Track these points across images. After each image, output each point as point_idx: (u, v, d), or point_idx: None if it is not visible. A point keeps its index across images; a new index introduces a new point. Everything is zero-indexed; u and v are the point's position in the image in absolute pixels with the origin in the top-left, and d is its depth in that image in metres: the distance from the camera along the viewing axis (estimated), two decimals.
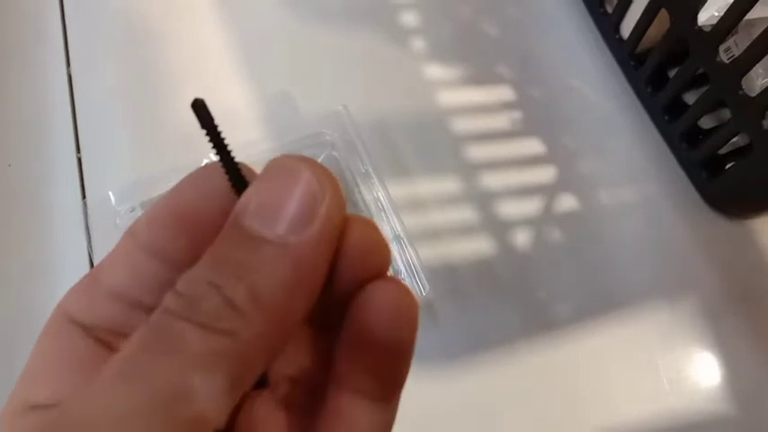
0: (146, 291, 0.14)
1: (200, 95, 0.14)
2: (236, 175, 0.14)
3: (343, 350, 0.14)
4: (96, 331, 0.14)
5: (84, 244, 0.33)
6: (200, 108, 0.14)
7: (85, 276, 0.14)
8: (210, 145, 0.14)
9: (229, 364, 0.11)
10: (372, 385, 0.14)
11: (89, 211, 0.33)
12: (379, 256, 0.14)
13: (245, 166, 0.14)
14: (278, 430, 0.15)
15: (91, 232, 0.33)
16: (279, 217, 0.12)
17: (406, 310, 0.14)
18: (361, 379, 0.14)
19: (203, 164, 0.15)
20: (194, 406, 0.11)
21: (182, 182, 0.14)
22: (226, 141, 0.14)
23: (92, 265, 0.34)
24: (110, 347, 0.14)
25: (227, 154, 0.14)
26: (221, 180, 0.14)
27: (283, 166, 0.13)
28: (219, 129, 0.14)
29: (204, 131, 0.14)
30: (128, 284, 0.14)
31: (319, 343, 0.15)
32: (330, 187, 0.13)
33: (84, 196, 0.37)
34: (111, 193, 0.32)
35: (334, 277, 0.14)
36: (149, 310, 0.12)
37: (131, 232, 0.14)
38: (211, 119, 0.14)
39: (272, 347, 0.12)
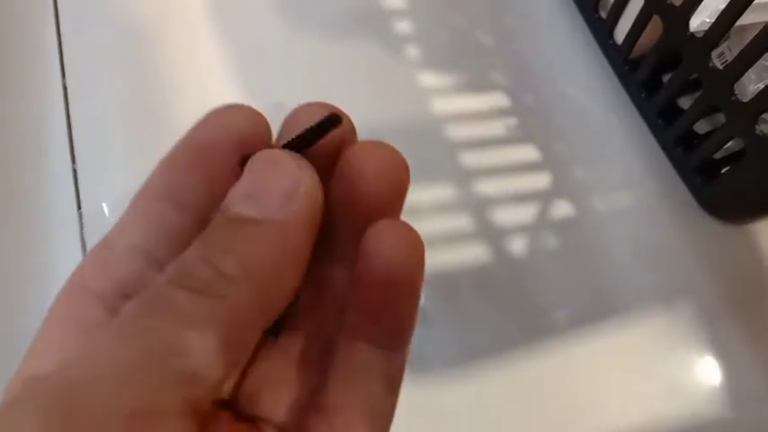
0: (162, 241, 0.14)
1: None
2: None
3: (352, 294, 0.15)
4: (109, 297, 0.14)
5: (80, 255, 0.33)
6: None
7: (98, 243, 0.15)
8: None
9: (221, 325, 0.12)
10: (381, 332, 0.15)
11: (84, 222, 0.33)
12: (395, 182, 0.15)
13: None
14: (291, 386, 0.15)
15: (86, 243, 0.32)
16: (263, 199, 0.13)
17: (412, 249, 0.14)
18: (369, 327, 0.15)
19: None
20: (188, 361, 0.11)
21: (195, 126, 0.15)
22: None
23: None
24: None
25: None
26: (236, 119, 0.15)
27: (265, 157, 0.14)
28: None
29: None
30: (143, 237, 0.14)
31: (333, 289, 0.16)
32: (309, 170, 0.14)
33: (79, 207, 0.37)
34: (104, 205, 0.32)
35: (350, 208, 0.15)
36: (166, 265, 0.13)
37: (146, 189, 0.15)
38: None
39: (263, 313, 0.13)
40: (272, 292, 0.13)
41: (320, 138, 0.15)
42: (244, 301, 0.12)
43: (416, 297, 0.15)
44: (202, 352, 0.11)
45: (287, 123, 0.16)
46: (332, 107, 0.16)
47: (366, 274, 0.14)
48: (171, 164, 0.15)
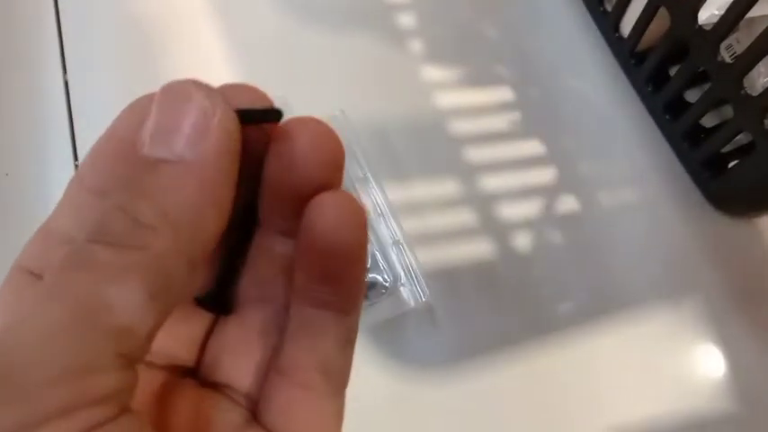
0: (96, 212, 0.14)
1: None
2: None
3: (299, 264, 0.15)
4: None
5: None
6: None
7: (37, 231, 0.15)
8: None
9: (144, 276, 0.12)
10: (331, 296, 0.15)
11: None
12: (330, 154, 0.15)
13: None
14: (249, 351, 0.16)
15: None
16: (173, 137, 0.13)
17: (353, 216, 0.14)
18: (320, 291, 0.15)
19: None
20: (114, 316, 0.11)
21: (119, 116, 0.15)
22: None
23: None
24: None
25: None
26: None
27: (172, 89, 0.14)
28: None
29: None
30: (74, 225, 0.14)
31: (281, 261, 0.16)
32: (221, 102, 0.13)
33: None
34: None
35: (288, 185, 0.15)
36: None
37: (78, 176, 0.15)
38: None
39: (187, 260, 0.13)
40: (192, 235, 0.13)
41: (253, 123, 0.15)
42: (164, 249, 0.12)
43: (363, 262, 0.15)
44: (128, 305, 0.11)
45: None
46: (268, 99, 0.16)
47: (311, 242, 0.15)
48: (96, 155, 0.15)
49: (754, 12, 0.29)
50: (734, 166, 0.35)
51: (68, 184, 0.15)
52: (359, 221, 0.15)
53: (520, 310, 0.34)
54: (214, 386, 0.16)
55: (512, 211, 0.37)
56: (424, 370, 0.33)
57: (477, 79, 0.41)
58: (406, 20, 0.43)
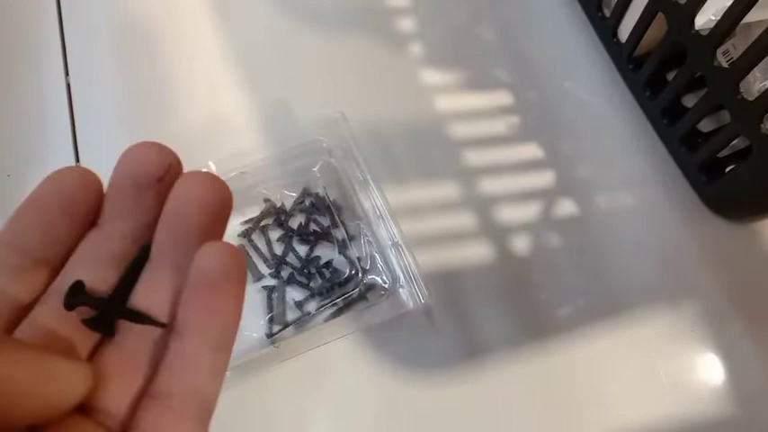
0: (2, 277, 0.17)
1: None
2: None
3: (185, 299, 0.17)
4: None
5: None
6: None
7: None
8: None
9: None
10: (208, 332, 0.17)
11: None
12: (216, 205, 0.17)
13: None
14: (124, 377, 0.17)
15: None
16: None
17: (232, 265, 0.17)
18: (197, 328, 0.17)
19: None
20: None
21: (38, 185, 0.18)
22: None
23: None
24: None
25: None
26: (68, 178, 0.18)
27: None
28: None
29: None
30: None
31: (167, 293, 0.18)
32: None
33: None
34: None
35: (178, 230, 0.18)
36: (6, 296, 0.17)
37: None
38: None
39: None
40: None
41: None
42: None
43: (238, 305, 0.17)
44: None
45: (119, 163, 0.18)
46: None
47: (194, 287, 0.17)
48: (16, 215, 0.18)
49: (750, 17, 0.29)
50: (731, 170, 0.35)
51: None
52: (238, 269, 0.17)
53: (518, 313, 0.34)
54: (87, 410, 0.17)
55: (510, 213, 0.37)
56: (423, 371, 0.33)
57: (475, 83, 0.41)
58: (406, 23, 0.43)
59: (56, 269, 0.18)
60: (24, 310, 0.17)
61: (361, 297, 0.34)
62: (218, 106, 0.40)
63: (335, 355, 0.33)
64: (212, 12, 0.43)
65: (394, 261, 0.34)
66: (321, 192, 0.36)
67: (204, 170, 0.19)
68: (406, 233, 0.34)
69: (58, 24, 0.43)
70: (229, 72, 0.41)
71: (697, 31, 0.32)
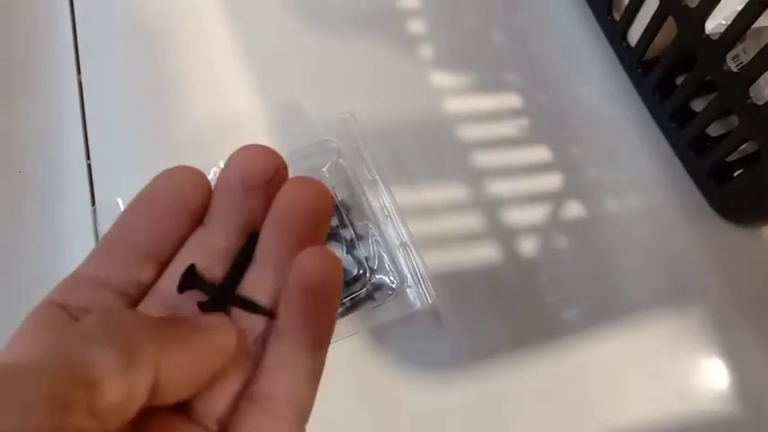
0: (115, 271, 0.18)
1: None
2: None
3: (284, 305, 0.18)
4: (70, 308, 0.17)
5: None
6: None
7: (69, 274, 0.18)
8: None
9: (120, 348, 0.14)
10: (305, 335, 0.18)
11: (98, 218, 0.33)
12: (319, 210, 0.18)
13: None
14: (223, 379, 0.18)
15: (100, 239, 0.33)
16: None
17: (330, 272, 0.17)
18: (296, 331, 0.18)
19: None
20: (89, 371, 0.14)
21: (150, 182, 0.18)
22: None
23: None
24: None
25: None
26: (181, 179, 0.18)
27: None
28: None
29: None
30: (102, 269, 0.18)
31: (267, 297, 0.19)
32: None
33: (93, 203, 0.37)
34: (119, 200, 0.33)
35: (281, 231, 0.18)
36: (116, 289, 0.18)
37: (109, 231, 0.19)
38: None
39: (160, 355, 0.15)
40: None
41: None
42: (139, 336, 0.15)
43: (334, 308, 0.18)
44: (102, 366, 0.14)
45: (229, 164, 0.19)
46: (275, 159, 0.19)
47: (294, 290, 0.18)
48: (128, 212, 0.18)
49: (760, 22, 0.29)
50: (739, 174, 0.35)
51: (101, 239, 0.19)
52: (335, 276, 0.18)
53: (525, 314, 0.35)
54: (187, 411, 0.17)
55: (518, 215, 0.37)
56: (430, 371, 0.33)
57: (485, 85, 0.41)
58: (416, 25, 0.44)
59: (163, 265, 0.18)
60: (132, 305, 0.18)
61: (369, 297, 0.34)
62: (229, 106, 0.40)
63: (342, 355, 0.33)
64: (223, 12, 0.44)
65: (402, 261, 0.34)
66: (330, 191, 0.37)
67: (312, 176, 0.19)
68: (415, 233, 0.34)
69: (71, 23, 0.43)
70: (240, 72, 0.41)
71: (707, 35, 0.32)
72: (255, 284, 0.19)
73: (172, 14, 0.44)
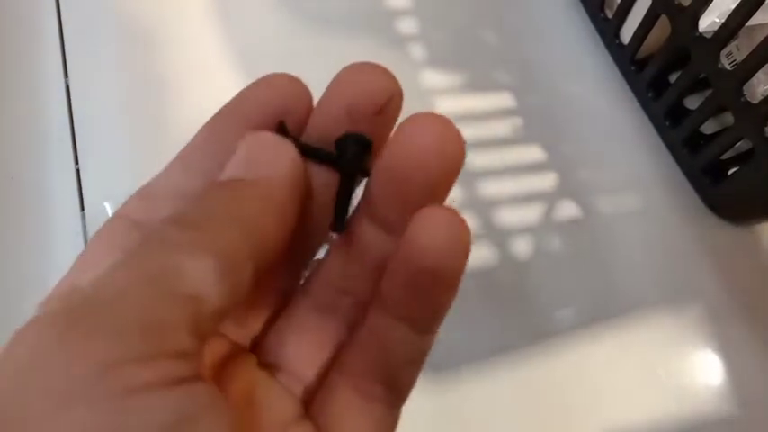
0: (193, 184, 0.16)
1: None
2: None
3: (391, 273, 0.14)
4: (145, 227, 0.15)
5: None
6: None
7: (142, 186, 0.16)
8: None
9: (214, 256, 0.13)
10: (413, 313, 0.15)
11: (88, 223, 0.33)
12: (449, 160, 0.14)
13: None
14: (314, 341, 0.16)
15: None
16: (250, 166, 0.15)
17: (457, 242, 0.14)
18: (402, 307, 0.15)
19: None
20: (186, 282, 0.12)
21: (242, 91, 0.16)
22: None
23: None
24: None
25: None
26: (278, 87, 0.16)
27: (254, 140, 0.15)
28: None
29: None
30: (183, 184, 0.16)
31: (369, 256, 0.16)
32: (291, 153, 0.15)
33: (82, 208, 0.37)
34: (107, 205, 0.32)
35: (397, 179, 0.14)
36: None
37: (192, 142, 0.17)
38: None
39: (251, 260, 0.13)
40: (257, 239, 0.14)
41: (331, 162, 0.16)
42: (233, 239, 0.13)
43: (454, 288, 0.15)
44: (198, 275, 0.12)
45: (333, 85, 0.16)
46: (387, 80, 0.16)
47: (408, 258, 0.14)
48: (216, 124, 0.16)
49: (754, 20, 0.29)
50: (734, 172, 0.35)
51: (180, 151, 0.17)
52: (462, 248, 0.14)
53: (519, 315, 0.34)
54: (272, 367, 0.16)
55: (511, 216, 0.37)
56: (422, 374, 0.33)
57: (477, 85, 0.41)
58: (407, 25, 0.43)
59: None
60: None
61: None
62: (221, 106, 0.39)
63: None
64: (214, 13, 0.43)
65: None
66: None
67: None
68: None
69: (58, 26, 0.43)
70: (232, 72, 0.41)
71: (701, 33, 0.32)
72: (359, 246, 0.16)
73: (161, 16, 0.43)
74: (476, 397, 0.32)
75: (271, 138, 0.15)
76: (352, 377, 0.15)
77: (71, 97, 0.40)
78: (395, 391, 0.16)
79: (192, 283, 0.12)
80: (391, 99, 0.15)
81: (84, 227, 0.33)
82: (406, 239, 0.14)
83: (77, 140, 0.39)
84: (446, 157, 0.14)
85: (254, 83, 0.16)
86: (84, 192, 0.37)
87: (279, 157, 0.15)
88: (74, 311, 0.12)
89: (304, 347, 0.16)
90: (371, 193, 0.15)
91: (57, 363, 0.11)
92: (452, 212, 0.14)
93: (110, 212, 0.32)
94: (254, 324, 0.17)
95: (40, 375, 0.11)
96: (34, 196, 0.37)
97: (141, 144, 0.39)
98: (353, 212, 0.16)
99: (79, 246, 0.33)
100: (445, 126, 0.14)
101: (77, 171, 0.38)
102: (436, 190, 0.14)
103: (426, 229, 0.14)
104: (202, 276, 0.12)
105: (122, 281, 0.12)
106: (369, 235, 0.16)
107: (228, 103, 0.16)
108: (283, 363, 0.16)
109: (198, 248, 0.13)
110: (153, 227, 0.13)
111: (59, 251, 0.36)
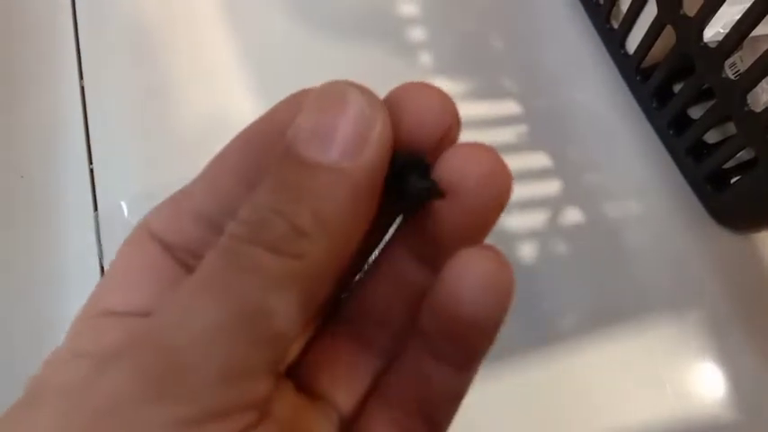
0: (227, 213, 0.14)
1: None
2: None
3: (428, 311, 0.14)
4: (175, 250, 0.14)
5: (96, 256, 0.33)
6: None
7: (169, 198, 0.15)
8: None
9: (301, 284, 0.12)
10: (453, 353, 0.14)
11: (101, 223, 0.33)
12: (494, 189, 0.13)
13: None
14: (352, 369, 0.15)
15: (102, 244, 0.33)
16: (332, 143, 0.12)
17: (499, 288, 0.13)
18: (443, 344, 0.14)
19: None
20: (273, 323, 0.11)
21: (274, 106, 0.15)
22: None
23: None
24: (186, 267, 0.14)
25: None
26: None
27: (332, 90, 0.13)
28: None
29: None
30: (210, 205, 0.14)
31: (408, 288, 0.15)
32: (381, 110, 0.13)
33: (96, 208, 0.37)
34: (123, 204, 0.32)
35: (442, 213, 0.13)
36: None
37: (221, 156, 0.15)
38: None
39: (337, 266, 0.13)
40: (344, 246, 0.13)
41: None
42: (319, 258, 0.12)
43: (492, 336, 0.14)
44: (285, 312, 0.11)
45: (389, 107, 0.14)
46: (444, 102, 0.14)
47: (442, 305, 0.13)
48: (246, 141, 0.15)
49: (758, 31, 0.29)
50: (736, 181, 0.35)
51: (207, 165, 0.15)
52: (502, 298, 0.13)
53: (522, 321, 0.34)
54: (311, 393, 0.15)
55: (515, 221, 0.37)
56: None
57: (483, 91, 0.42)
58: (414, 31, 0.44)
59: None
60: None
61: None
62: (231, 112, 0.40)
63: None
64: (226, 18, 0.44)
65: None
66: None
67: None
68: None
69: (74, 28, 0.44)
70: (241, 76, 0.41)
71: (705, 43, 0.32)
72: (395, 277, 0.15)
73: (174, 19, 0.44)
74: (478, 400, 0.32)
75: (355, 95, 0.13)
76: (391, 410, 0.15)
77: (86, 99, 0.41)
78: (434, 428, 0.15)
79: (277, 322, 0.11)
80: (450, 129, 0.14)
81: (98, 227, 0.33)
82: (442, 283, 0.13)
83: (91, 141, 0.39)
84: (492, 193, 0.14)
85: (284, 101, 0.15)
86: (97, 192, 0.38)
87: (369, 128, 0.13)
88: (153, 362, 0.11)
89: (341, 376, 0.15)
90: (409, 225, 0.15)
91: (133, 419, 0.10)
92: (493, 256, 0.13)
93: (126, 212, 0.33)
94: (293, 348, 0.16)
95: (116, 424, 0.10)
96: (48, 196, 0.38)
97: (154, 145, 0.39)
98: (391, 240, 0.15)
99: (92, 246, 0.34)
100: (493, 158, 0.14)
101: (91, 171, 0.38)
102: (479, 225, 0.14)
103: (464, 277, 0.13)
104: (287, 313, 0.11)
105: (202, 319, 0.11)
106: (407, 265, 0.15)
107: (259, 121, 0.15)
108: (319, 390, 0.15)
109: (285, 279, 0.12)
110: (229, 239, 0.12)
111: (72, 251, 0.36)
